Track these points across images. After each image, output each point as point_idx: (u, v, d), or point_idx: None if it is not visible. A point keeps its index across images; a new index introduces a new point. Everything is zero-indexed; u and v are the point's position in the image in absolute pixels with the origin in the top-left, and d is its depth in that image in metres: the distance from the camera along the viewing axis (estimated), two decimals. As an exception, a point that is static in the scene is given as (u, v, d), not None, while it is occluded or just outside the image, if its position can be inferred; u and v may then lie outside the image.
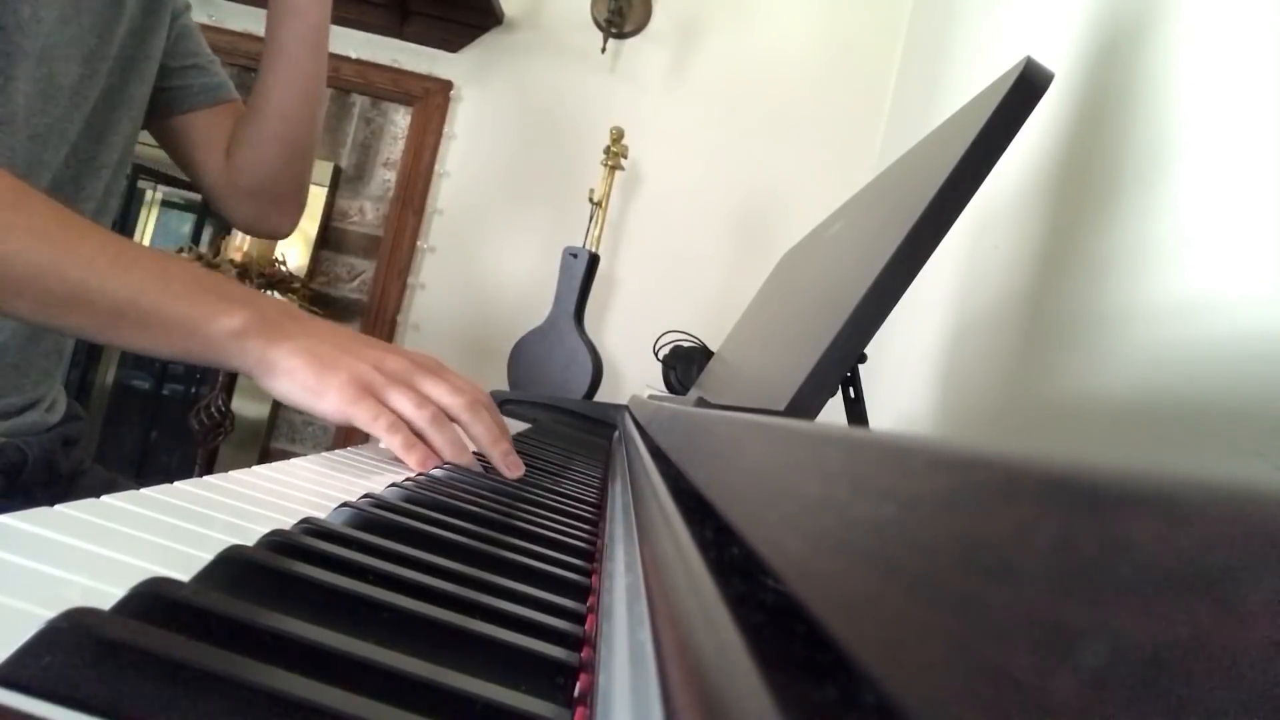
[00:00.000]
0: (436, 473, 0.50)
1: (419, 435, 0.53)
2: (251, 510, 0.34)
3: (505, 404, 1.35)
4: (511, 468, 0.55)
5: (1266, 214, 0.44)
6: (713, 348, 1.24)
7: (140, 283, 0.51)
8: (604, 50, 1.77)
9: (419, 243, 1.80)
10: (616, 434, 1.05)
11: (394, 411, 0.53)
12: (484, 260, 1.81)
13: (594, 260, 1.58)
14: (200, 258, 1.60)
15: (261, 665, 0.18)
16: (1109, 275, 0.59)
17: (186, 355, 0.53)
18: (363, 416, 0.51)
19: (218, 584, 0.23)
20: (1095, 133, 0.67)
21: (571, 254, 1.58)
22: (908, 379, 1.01)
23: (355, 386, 0.52)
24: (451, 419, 0.55)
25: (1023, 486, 0.07)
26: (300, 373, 0.52)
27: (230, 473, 0.39)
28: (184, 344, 0.52)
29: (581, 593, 0.31)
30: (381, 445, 0.54)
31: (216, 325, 0.52)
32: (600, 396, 1.54)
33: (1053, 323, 0.67)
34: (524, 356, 1.58)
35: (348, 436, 1.77)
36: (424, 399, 0.54)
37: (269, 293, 1.62)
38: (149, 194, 2.02)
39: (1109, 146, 0.64)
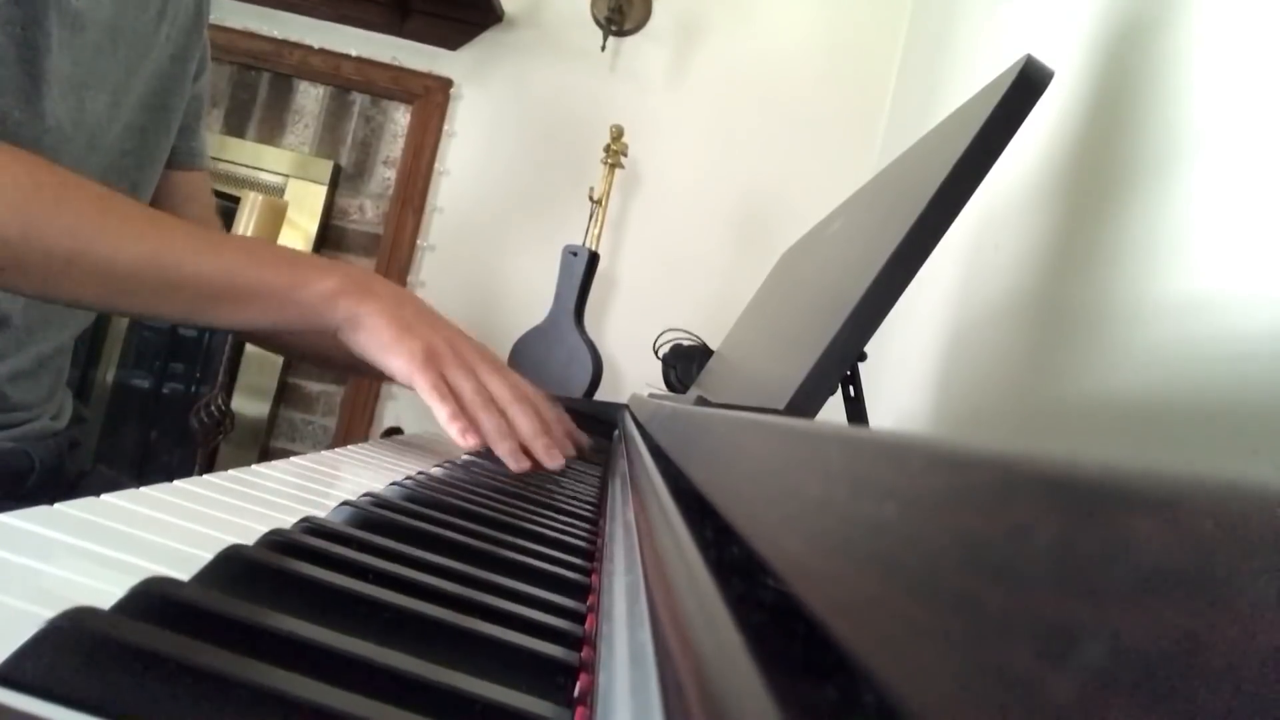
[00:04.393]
0: (436, 471, 0.51)
1: (469, 416, 0.57)
2: (251, 509, 0.34)
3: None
4: (552, 458, 0.59)
5: (1271, 212, 0.44)
6: (713, 346, 1.24)
7: (231, 262, 0.55)
8: (604, 48, 1.77)
9: (419, 241, 1.80)
10: (616, 432, 1.05)
11: (451, 386, 0.57)
12: (484, 259, 1.80)
13: (594, 259, 1.58)
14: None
15: (261, 665, 0.18)
16: (1110, 275, 0.59)
17: (278, 322, 0.57)
18: (423, 381, 0.56)
19: (218, 583, 0.23)
20: (1098, 132, 0.67)
21: (571, 252, 1.58)
22: (908, 378, 1.01)
23: (425, 354, 0.57)
24: (500, 409, 0.59)
25: (1023, 486, 0.07)
26: (382, 330, 0.57)
27: (230, 472, 0.39)
28: (279, 312, 0.56)
29: (581, 592, 0.31)
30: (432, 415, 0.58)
31: (310, 290, 0.56)
32: (600, 395, 1.54)
33: (1053, 322, 0.67)
34: (524, 355, 1.57)
35: (348, 436, 1.77)
36: (481, 385, 0.59)
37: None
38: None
39: (1112, 145, 0.64)
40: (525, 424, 0.59)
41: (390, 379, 0.60)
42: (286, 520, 0.31)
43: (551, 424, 0.62)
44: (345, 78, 1.83)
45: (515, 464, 0.57)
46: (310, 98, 1.87)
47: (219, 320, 0.56)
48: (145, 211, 0.55)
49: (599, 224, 1.63)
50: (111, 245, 0.51)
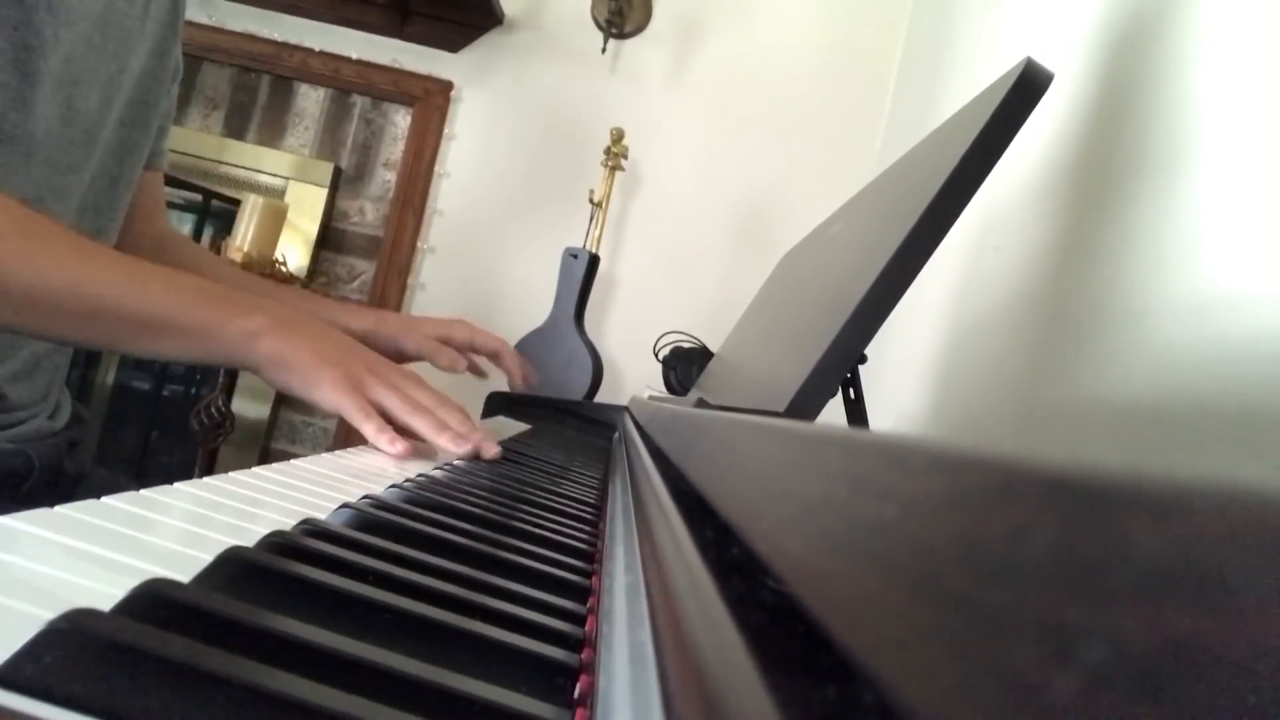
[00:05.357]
0: (436, 474, 0.51)
1: (401, 425, 0.61)
2: (251, 511, 0.34)
3: (506, 405, 1.35)
4: (490, 448, 0.63)
5: (1273, 212, 0.44)
6: (713, 348, 1.24)
7: (158, 295, 0.56)
8: (604, 51, 1.77)
9: (419, 243, 1.80)
10: (616, 434, 1.05)
11: (376, 404, 0.60)
12: (484, 261, 1.80)
13: (594, 261, 1.58)
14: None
15: (261, 666, 0.18)
16: (1110, 277, 0.59)
17: (202, 357, 0.58)
18: (349, 405, 0.59)
19: (218, 585, 0.23)
20: (1098, 133, 0.67)
21: (572, 254, 1.58)
22: (908, 380, 1.01)
23: (348, 381, 0.59)
24: (428, 410, 0.63)
25: (1023, 487, 0.07)
26: (304, 366, 0.59)
27: (230, 473, 0.39)
28: (203, 347, 0.57)
29: (581, 594, 0.31)
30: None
31: (234, 327, 0.58)
32: (600, 397, 1.54)
33: (1054, 324, 0.67)
34: (524, 357, 1.57)
35: (348, 438, 1.77)
36: (406, 395, 0.62)
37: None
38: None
39: (1113, 147, 0.64)
40: (455, 420, 0.62)
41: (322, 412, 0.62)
42: (286, 522, 0.31)
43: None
44: (346, 80, 1.83)
45: (457, 446, 0.60)
46: (310, 100, 1.87)
47: (143, 351, 0.57)
48: (72, 240, 0.55)
49: (599, 226, 1.63)
50: (30, 271, 0.51)
